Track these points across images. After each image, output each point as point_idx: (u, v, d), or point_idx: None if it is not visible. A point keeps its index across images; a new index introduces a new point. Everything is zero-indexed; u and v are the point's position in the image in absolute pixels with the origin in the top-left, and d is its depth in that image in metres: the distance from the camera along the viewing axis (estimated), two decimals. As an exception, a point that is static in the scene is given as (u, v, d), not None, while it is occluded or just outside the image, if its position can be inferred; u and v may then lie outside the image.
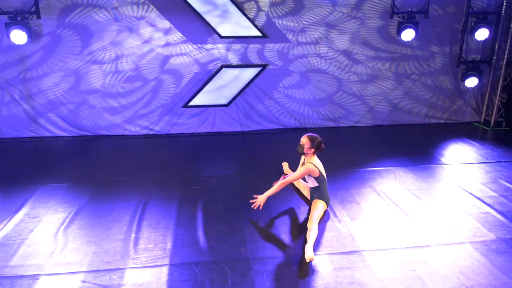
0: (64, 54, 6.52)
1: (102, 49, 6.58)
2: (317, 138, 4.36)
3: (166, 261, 3.68)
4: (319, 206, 4.29)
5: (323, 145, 4.39)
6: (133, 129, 7.08)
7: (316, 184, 4.39)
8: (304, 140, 4.38)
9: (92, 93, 6.79)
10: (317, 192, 4.41)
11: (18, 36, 6.00)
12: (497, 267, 3.60)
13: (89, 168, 5.77)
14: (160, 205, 4.66)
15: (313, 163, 4.32)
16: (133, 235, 4.08)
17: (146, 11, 6.50)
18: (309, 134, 4.41)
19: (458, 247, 3.91)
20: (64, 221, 4.33)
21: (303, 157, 4.60)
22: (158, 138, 7.04)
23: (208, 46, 6.83)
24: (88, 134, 6.99)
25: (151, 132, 7.15)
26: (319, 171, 4.32)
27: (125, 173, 5.57)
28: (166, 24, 6.61)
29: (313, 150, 4.35)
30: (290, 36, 6.94)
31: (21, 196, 4.83)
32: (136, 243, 3.94)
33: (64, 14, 6.32)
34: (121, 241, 3.98)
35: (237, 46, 6.89)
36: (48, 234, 4.09)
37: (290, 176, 4.42)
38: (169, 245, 3.91)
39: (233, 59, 6.97)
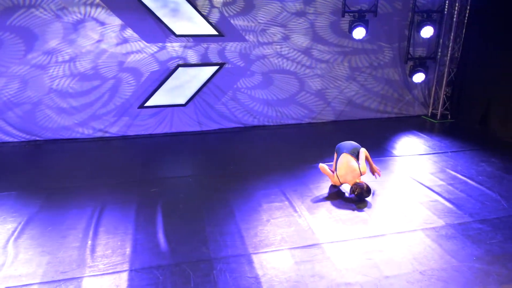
0: (7, 58, 6.14)
1: (49, 52, 6.27)
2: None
3: (126, 266, 3.58)
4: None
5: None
6: (87, 132, 6.81)
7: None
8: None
9: (41, 96, 6.45)
10: None
11: None
12: (446, 251, 3.81)
13: (40, 174, 5.48)
14: (118, 210, 4.52)
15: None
16: (89, 242, 3.93)
17: (95, 10, 6.26)
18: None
19: (411, 234, 4.10)
20: (14, 231, 4.09)
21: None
22: (114, 141, 6.82)
23: (163, 44, 6.70)
24: (38, 138, 6.64)
25: (106, 135, 6.91)
26: None
27: (79, 179, 5.35)
28: (118, 22, 6.40)
29: None
30: (245, 34, 6.95)
31: (-35, 208, 4.51)
32: (93, 250, 3.80)
33: (4, 16, 5.95)
34: (76, 249, 3.82)
35: (193, 44, 6.81)
36: (-4, 246, 3.86)
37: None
38: (128, 250, 3.81)
39: (189, 58, 6.88)
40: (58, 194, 4.89)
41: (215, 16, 6.73)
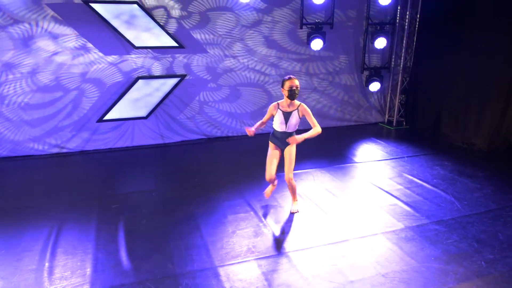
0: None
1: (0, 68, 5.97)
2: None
3: (86, 287, 3.42)
4: (294, 151, 4.49)
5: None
6: (42, 148, 6.50)
7: (296, 128, 4.47)
8: (297, 82, 4.27)
9: (-9, 111, 6.12)
10: (293, 135, 4.45)
11: None
12: (407, 253, 3.93)
13: (-9, 194, 5.16)
14: (76, 229, 4.33)
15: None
16: (46, 264, 3.72)
17: (49, 23, 6.03)
18: (292, 76, 4.32)
19: (372, 238, 4.20)
20: (-39, 257, 3.81)
21: (276, 106, 4.39)
22: (71, 156, 6.55)
23: (122, 57, 6.56)
24: (-12, 157, 6.27)
25: (63, 150, 6.63)
26: None
27: (34, 198, 5.08)
28: (74, 35, 6.20)
29: None
30: (205, 46, 6.95)
31: None
32: (50, 273, 3.60)
33: None
34: (33, 272, 3.61)
35: (157, 56, 6.72)
36: None
37: (315, 127, 4.42)
38: (88, 270, 3.64)
39: (154, 70, 6.78)
40: (12, 214, 4.62)
41: (174, 27, 6.68)
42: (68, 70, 6.32)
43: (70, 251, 3.93)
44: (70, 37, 6.20)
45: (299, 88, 4.30)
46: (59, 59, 6.23)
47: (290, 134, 4.45)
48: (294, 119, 4.38)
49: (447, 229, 4.36)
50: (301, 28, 7.37)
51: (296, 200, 4.81)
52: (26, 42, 6.01)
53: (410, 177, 5.73)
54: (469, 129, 7.04)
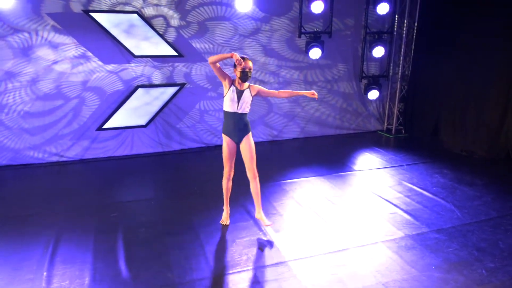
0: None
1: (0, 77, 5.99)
2: None
3: (85, 297, 3.39)
4: (252, 143, 4.31)
5: None
6: (41, 157, 6.49)
7: (249, 109, 4.26)
8: (251, 64, 4.14)
9: (-10, 120, 6.12)
10: (245, 120, 4.26)
11: None
12: (407, 262, 3.91)
13: (-11, 203, 5.14)
14: (75, 238, 4.30)
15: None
16: (45, 273, 3.69)
17: (49, 32, 6.06)
18: (246, 56, 4.20)
19: (372, 247, 4.18)
20: (-41, 266, 3.78)
21: (229, 85, 4.16)
22: (71, 165, 6.54)
23: (122, 66, 6.58)
24: (-13, 165, 6.25)
25: (62, 159, 6.61)
26: None
27: (33, 206, 5.05)
28: (73, 45, 6.23)
29: None
30: (204, 55, 6.98)
31: None
32: (49, 282, 3.57)
33: None
34: (30, 281, 3.57)
35: (157, 65, 6.74)
36: None
37: (280, 92, 4.42)
38: (87, 280, 3.61)
39: (154, 78, 6.80)
40: (10, 223, 4.59)
41: (173, 36, 6.72)
42: (68, 78, 6.34)
43: (69, 260, 3.90)
44: (69, 46, 6.22)
45: (252, 71, 4.16)
46: (59, 68, 6.25)
47: (241, 116, 4.19)
48: (247, 97, 4.18)
49: (448, 237, 4.34)
50: (300, 37, 7.41)
51: (260, 208, 4.43)
52: (26, 52, 6.03)
53: (410, 185, 5.72)
54: (468, 137, 7.05)
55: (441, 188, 5.62)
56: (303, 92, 4.42)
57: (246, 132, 4.29)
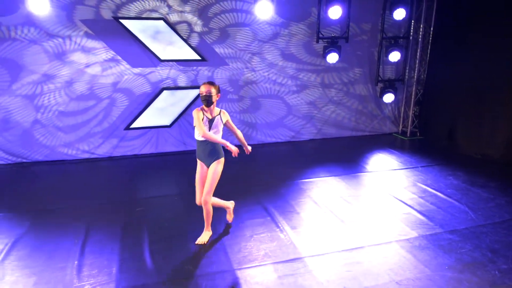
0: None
1: (35, 80, 6.18)
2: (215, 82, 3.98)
3: (112, 286, 3.45)
4: (218, 170, 4.03)
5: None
6: (73, 153, 6.66)
7: (220, 133, 4.01)
8: (207, 88, 3.83)
9: (28, 121, 6.31)
10: (216, 148, 4.01)
11: None
12: (420, 261, 3.84)
13: (27, 196, 5.30)
14: (104, 230, 4.39)
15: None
16: (76, 262, 3.79)
17: (82, 38, 6.22)
18: (209, 81, 3.95)
19: (386, 246, 4.12)
20: (0, 253, 3.91)
21: (200, 112, 3.89)
22: (100, 162, 6.69)
23: (150, 69, 6.69)
24: (25, 161, 6.45)
25: (93, 156, 6.77)
26: None
27: (65, 200, 5.19)
28: (104, 49, 6.37)
29: (219, 95, 3.97)
30: (226, 60, 7.02)
31: (-51, 231, 4.30)
32: (79, 270, 3.66)
33: None
34: (63, 269, 3.67)
35: (182, 69, 6.83)
36: (-19, 269, 3.67)
37: (237, 131, 4.18)
38: (114, 269, 3.68)
39: (179, 81, 6.88)
40: (45, 215, 4.73)
41: (196, 41, 6.78)
42: (100, 80, 6.48)
43: (98, 250, 3.99)
44: (100, 51, 6.37)
45: (212, 95, 3.82)
46: (91, 71, 6.40)
47: (213, 144, 3.98)
48: (219, 125, 3.98)
49: (461, 238, 4.24)
50: (317, 42, 7.37)
51: (208, 230, 4.16)
52: (60, 56, 6.20)
53: (424, 187, 5.61)
54: (482, 140, 6.86)
55: (455, 190, 5.49)
56: (245, 144, 4.26)
57: (217, 157, 4.06)
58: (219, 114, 4.03)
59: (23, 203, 5.04)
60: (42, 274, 3.61)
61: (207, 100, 3.87)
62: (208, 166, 4.10)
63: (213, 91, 3.87)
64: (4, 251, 3.95)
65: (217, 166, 4.06)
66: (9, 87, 6.10)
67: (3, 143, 6.28)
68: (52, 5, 5.85)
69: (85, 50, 6.29)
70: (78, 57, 6.29)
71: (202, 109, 3.95)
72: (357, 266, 3.76)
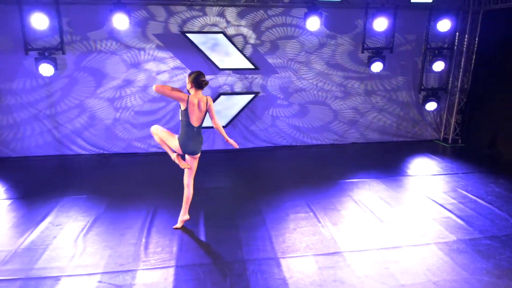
0: (81, 92, 6.55)
1: (114, 86, 6.61)
2: (193, 72, 3.88)
3: (173, 263, 3.62)
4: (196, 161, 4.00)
5: (202, 78, 3.88)
6: (145, 147, 7.05)
7: (201, 121, 3.91)
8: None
9: (110, 120, 6.78)
10: (200, 137, 3.97)
11: (46, 69, 6.02)
12: (458, 264, 3.59)
13: (106, 182, 5.69)
14: (168, 213, 4.61)
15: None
16: (143, 240, 4.01)
17: (154, 49, 6.56)
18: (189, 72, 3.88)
19: (424, 247, 3.90)
20: (83, 228, 4.25)
21: (185, 98, 3.90)
22: (167, 155, 6.97)
23: (209, 76, 6.89)
24: (106, 152, 6.94)
25: (160, 150, 7.10)
26: None
27: (137, 186, 5.51)
28: (172, 59, 6.67)
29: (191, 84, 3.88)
30: (277, 69, 7.03)
31: (46, 207, 4.75)
32: (146, 247, 3.88)
33: (80, 59, 6.36)
34: (133, 245, 3.91)
35: (233, 76, 6.97)
36: (69, 240, 4.01)
37: (216, 118, 4.02)
38: (175, 248, 3.85)
39: (232, 87, 7.03)
40: (120, 198, 5.05)
41: (250, 52, 6.87)
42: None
43: (162, 231, 4.19)
44: (168, 60, 6.67)
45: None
46: (161, 77, 6.73)
47: (198, 129, 3.91)
48: (202, 111, 3.89)
49: (500, 245, 3.91)
50: (363, 52, 7.14)
51: (186, 215, 4.14)
52: (136, 65, 6.59)
53: (464, 193, 5.24)
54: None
55: (496, 197, 5.06)
56: (225, 135, 4.04)
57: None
58: (206, 99, 4.01)
59: (102, 188, 5.42)
60: (116, 248, 3.86)
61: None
62: (197, 153, 4.08)
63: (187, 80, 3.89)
64: (86, 227, 4.28)
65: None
66: (94, 91, 6.60)
67: (88, 137, 6.81)
68: (130, 22, 6.23)
69: (156, 60, 6.63)
70: (151, 66, 6.65)
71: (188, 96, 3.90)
72: (395, 265, 3.60)
